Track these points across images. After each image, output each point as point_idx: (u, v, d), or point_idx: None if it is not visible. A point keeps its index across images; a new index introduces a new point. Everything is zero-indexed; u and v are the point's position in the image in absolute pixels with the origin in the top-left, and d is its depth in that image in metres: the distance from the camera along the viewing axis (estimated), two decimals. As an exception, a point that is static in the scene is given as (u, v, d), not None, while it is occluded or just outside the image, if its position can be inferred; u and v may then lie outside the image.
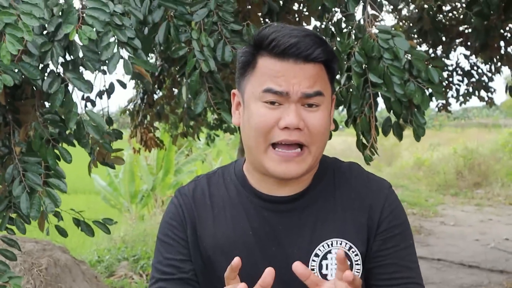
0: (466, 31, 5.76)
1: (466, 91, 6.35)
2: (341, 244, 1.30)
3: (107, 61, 1.93)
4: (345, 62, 2.36)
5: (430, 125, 28.89)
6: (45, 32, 1.93)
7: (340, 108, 2.50)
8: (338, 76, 2.51)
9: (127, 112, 5.43)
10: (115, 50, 1.92)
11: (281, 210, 1.33)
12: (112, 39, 1.89)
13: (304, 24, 4.15)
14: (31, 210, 2.04)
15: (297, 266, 1.11)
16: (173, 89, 5.16)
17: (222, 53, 2.20)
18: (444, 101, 6.46)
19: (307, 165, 1.27)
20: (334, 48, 2.37)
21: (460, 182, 13.10)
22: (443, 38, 5.73)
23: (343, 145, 18.21)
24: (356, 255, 1.30)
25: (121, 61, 1.94)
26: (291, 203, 1.33)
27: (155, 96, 5.30)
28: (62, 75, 1.98)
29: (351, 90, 2.35)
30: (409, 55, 2.25)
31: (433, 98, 2.29)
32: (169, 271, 1.35)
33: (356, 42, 2.28)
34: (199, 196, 1.38)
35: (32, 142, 2.08)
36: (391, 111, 2.28)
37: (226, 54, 2.20)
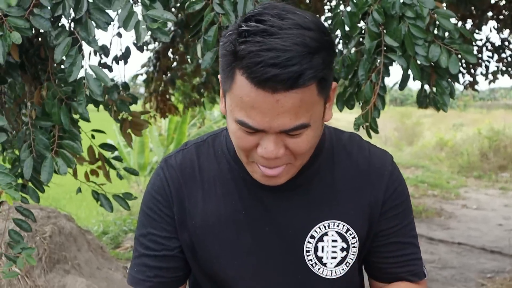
0: (499, 3, 5.46)
1: (496, 68, 6.06)
2: (338, 226, 1.24)
3: (117, 16, 1.79)
4: (358, 24, 2.15)
5: (454, 105, 28.22)
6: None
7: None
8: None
9: (139, 76, 5.32)
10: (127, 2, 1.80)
11: (276, 190, 1.21)
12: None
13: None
14: (42, 173, 2.00)
15: None
16: (186, 55, 4.98)
17: (244, 6, 1.94)
18: (471, 78, 6.19)
19: (292, 174, 1.17)
20: (348, 9, 2.15)
21: (485, 165, 12.72)
22: (474, 11, 5.43)
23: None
24: (354, 237, 1.25)
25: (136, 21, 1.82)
26: (286, 183, 1.18)
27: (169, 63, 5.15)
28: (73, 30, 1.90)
29: (362, 55, 2.15)
30: (434, 15, 2.03)
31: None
32: (153, 247, 1.28)
33: (374, 1, 2.07)
34: (188, 170, 1.27)
35: (45, 103, 2.04)
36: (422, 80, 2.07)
37: (248, 8, 1.94)
